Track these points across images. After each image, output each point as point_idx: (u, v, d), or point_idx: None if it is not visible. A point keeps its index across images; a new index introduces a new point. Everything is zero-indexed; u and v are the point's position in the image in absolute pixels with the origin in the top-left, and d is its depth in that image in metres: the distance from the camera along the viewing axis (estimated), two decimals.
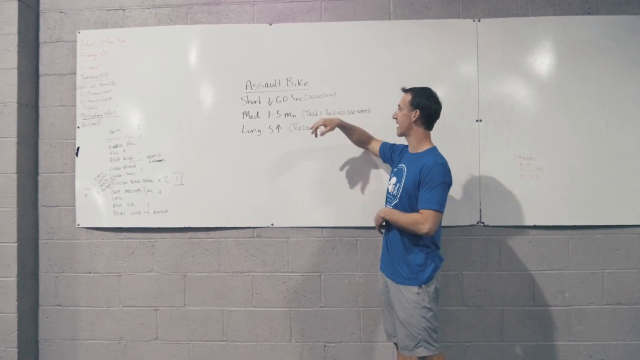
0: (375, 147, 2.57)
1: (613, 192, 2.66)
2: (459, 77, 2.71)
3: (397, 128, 2.29)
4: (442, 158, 2.16)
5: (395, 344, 2.32)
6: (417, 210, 2.11)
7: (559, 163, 2.67)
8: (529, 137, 2.69)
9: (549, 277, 2.69)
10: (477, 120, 2.70)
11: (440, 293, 2.24)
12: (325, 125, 2.47)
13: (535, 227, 2.69)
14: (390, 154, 2.45)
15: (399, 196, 2.19)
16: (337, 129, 2.52)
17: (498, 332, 2.70)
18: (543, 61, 2.71)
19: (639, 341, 2.66)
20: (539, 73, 2.70)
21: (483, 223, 2.69)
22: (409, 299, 2.13)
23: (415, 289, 2.13)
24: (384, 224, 2.28)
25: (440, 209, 2.08)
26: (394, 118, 2.31)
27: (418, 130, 2.23)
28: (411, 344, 2.13)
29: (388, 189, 2.33)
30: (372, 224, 2.64)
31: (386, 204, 2.32)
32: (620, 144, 2.66)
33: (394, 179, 2.28)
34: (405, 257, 2.17)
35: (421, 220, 2.07)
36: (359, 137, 2.60)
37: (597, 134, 2.67)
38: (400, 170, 2.26)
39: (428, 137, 2.25)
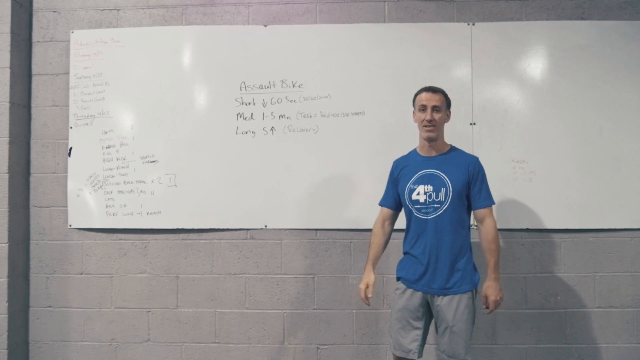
0: (386, 215, 2.30)
1: (606, 196, 2.67)
2: (453, 81, 2.72)
3: (432, 131, 2.11)
4: None
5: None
6: (468, 210, 2.15)
7: (552, 167, 2.68)
8: (523, 141, 2.70)
9: (542, 280, 2.70)
10: (470, 124, 2.71)
11: None
12: (367, 288, 2.21)
13: (528, 230, 2.70)
14: (397, 176, 2.24)
15: (449, 201, 2.08)
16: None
17: (491, 335, 2.70)
18: (537, 65, 2.72)
19: (630, 344, 2.67)
20: (532, 77, 2.72)
21: (476, 226, 2.69)
22: (465, 304, 2.07)
23: (470, 294, 2.09)
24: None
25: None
26: (428, 120, 2.09)
27: (443, 131, 2.20)
28: (463, 352, 2.06)
29: (417, 200, 2.12)
30: (366, 227, 2.65)
31: (415, 214, 2.13)
32: (613, 148, 2.68)
33: (423, 188, 2.11)
34: (458, 264, 2.09)
35: (494, 224, 2.13)
36: (381, 247, 2.32)
37: (591, 138, 2.69)
38: (432, 175, 2.11)
39: None
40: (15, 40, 2.74)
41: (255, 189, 2.74)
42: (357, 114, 2.74)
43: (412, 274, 2.14)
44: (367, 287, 2.19)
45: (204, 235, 2.78)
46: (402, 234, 2.25)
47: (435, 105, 2.11)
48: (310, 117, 2.75)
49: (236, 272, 2.78)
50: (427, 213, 2.11)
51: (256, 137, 2.76)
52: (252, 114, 2.76)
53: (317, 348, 2.75)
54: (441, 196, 2.09)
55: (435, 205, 2.09)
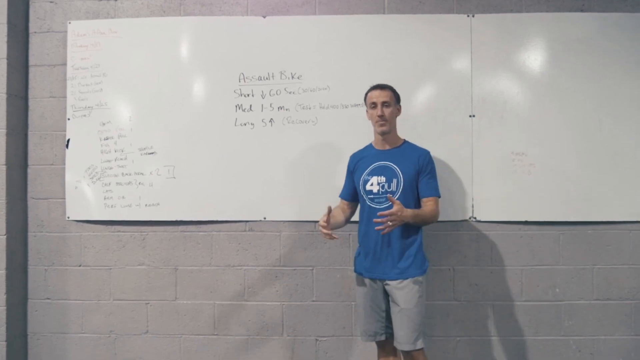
0: (345, 206, 2.43)
1: (605, 189, 2.67)
2: (453, 72, 2.71)
3: (384, 125, 2.25)
4: None
5: (382, 341, 2.33)
6: (417, 201, 2.25)
7: (551, 159, 2.68)
8: (522, 133, 2.69)
9: (540, 272, 2.70)
10: (470, 116, 2.70)
11: None
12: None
13: (526, 222, 2.70)
14: (353, 169, 2.38)
15: (400, 191, 2.22)
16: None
17: (489, 327, 2.71)
18: (536, 57, 2.71)
19: (628, 336, 2.68)
20: (532, 69, 2.71)
21: (475, 218, 2.70)
22: (415, 289, 2.18)
23: (420, 278, 2.21)
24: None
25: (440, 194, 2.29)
26: (379, 116, 2.23)
27: (395, 125, 2.34)
28: (413, 337, 2.15)
29: (370, 190, 2.25)
30: None
31: (369, 204, 2.25)
32: (612, 141, 2.67)
33: (376, 179, 2.25)
34: (408, 250, 2.22)
35: (436, 209, 2.23)
36: (337, 219, 2.36)
37: (590, 131, 2.68)
38: (385, 167, 2.26)
39: None
40: (12, 31, 2.71)
41: (254, 180, 2.74)
42: (356, 105, 2.72)
43: (368, 263, 2.28)
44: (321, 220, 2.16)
45: (203, 227, 2.77)
46: None
47: (385, 101, 2.24)
48: (310, 108, 2.74)
49: (235, 264, 2.77)
50: (379, 202, 2.23)
51: (255, 128, 2.75)
52: (250, 106, 2.75)
53: (316, 340, 2.75)
54: (393, 186, 2.22)
55: (382, 197, 2.23)
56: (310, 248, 2.75)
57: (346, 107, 2.73)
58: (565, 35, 2.71)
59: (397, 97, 2.31)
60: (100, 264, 2.80)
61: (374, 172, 2.28)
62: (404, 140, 2.36)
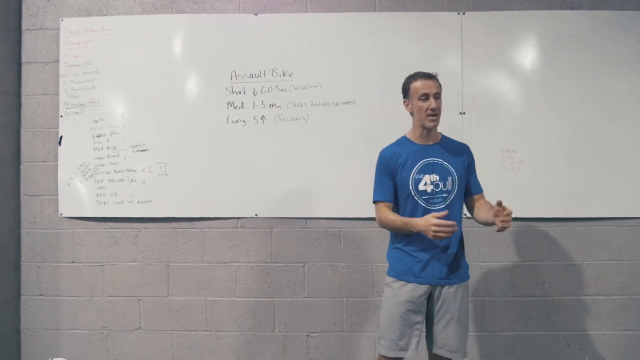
0: (391, 208, 2.12)
1: (594, 185, 2.69)
2: (443, 70, 2.67)
3: (436, 120, 2.03)
4: None
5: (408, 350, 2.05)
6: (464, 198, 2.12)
7: (540, 156, 2.70)
8: (512, 130, 2.71)
9: (529, 268, 2.72)
10: (460, 113, 2.72)
11: None
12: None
13: (516, 219, 2.68)
14: (395, 167, 2.08)
15: (456, 190, 2.05)
16: None
17: (479, 322, 2.73)
18: (526, 55, 2.73)
19: (617, 331, 2.70)
20: (522, 67, 2.73)
21: (465, 214, 2.70)
22: (467, 294, 2.09)
23: (468, 282, 2.10)
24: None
25: None
26: (432, 109, 2.01)
27: None
28: (464, 344, 2.04)
29: (424, 190, 2.02)
30: (356, 216, 2.71)
31: (424, 205, 2.02)
32: (601, 138, 2.70)
33: (429, 177, 2.02)
34: (460, 253, 2.08)
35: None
36: None
37: (579, 128, 2.70)
38: (435, 164, 2.04)
39: None
40: (4, 28, 2.72)
41: (246, 177, 2.75)
42: (347, 103, 2.75)
43: (415, 267, 2.03)
44: (433, 220, 1.88)
45: (195, 224, 2.79)
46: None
47: (437, 93, 2.03)
48: (301, 106, 2.75)
49: (227, 261, 2.79)
50: (434, 203, 2.03)
51: (247, 126, 2.76)
52: (242, 103, 2.77)
53: (307, 336, 2.77)
54: (448, 185, 2.04)
55: (444, 195, 2.04)
56: (301, 245, 2.77)
57: (337, 105, 2.74)
58: (555, 33, 2.72)
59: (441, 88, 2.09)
60: (93, 261, 2.82)
61: (424, 170, 2.04)
62: (441, 133, 2.16)
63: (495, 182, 2.69)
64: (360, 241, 2.74)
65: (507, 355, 2.72)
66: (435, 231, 1.85)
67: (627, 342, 2.70)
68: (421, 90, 2.02)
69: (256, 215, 2.77)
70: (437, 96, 2.03)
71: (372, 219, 2.68)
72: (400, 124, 2.55)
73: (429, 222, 1.87)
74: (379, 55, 2.75)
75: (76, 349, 2.81)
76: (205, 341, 2.78)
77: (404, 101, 2.12)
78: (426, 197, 2.03)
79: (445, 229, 1.84)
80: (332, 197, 2.74)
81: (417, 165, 2.05)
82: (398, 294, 2.04)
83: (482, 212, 2.05)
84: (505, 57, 2.73)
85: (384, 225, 2.09)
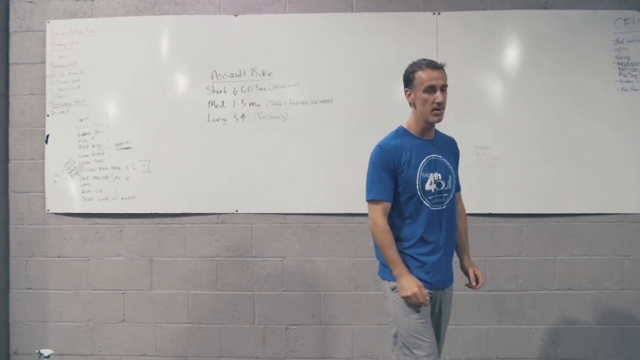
0: (387, 210, 1.89)
1: (567, 182, 2.74)
2: None
3: (440, 114, 1.85)
4: None
5: None
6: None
7: (515, 153, 2.76)
8: (487, 128, 2.77)
9: (503, 263, 2.78)
10: None
11: None
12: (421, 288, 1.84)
13: (490, 214, 2.78)
14: (399, 164, 1.86)
15: (453, 189, 1.93)
16: None
17: (453, 316, 2.76)
18: (501, 54, 2.78)
19: (589, 325, 2.76)
20: (496, 65, 2.78)
21: None
22: (452, 295, 2.04)
23: None
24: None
25: None
26: (438, 103, 1.81)
27: None
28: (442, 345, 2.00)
29: (429, 190, 1.86)
30: (334, 212, 2.79)
31: (430, 207, 1.87)
32: (574, 136, 2.74)
33: (432, 176, 1.86)
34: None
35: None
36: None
37: (553, 125, 2.75)
38: (436, 162, 1.90)
39: None
40: None
41: (226, 174, 2.82)
42: (325, 101, 2.81)
43: (417, 272, 1.86)
44: (420, 287, 1.80)
45: (177, 219, 2.87)
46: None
47: (444, 85, 1.83)
48: (280, 104, 2.82)
49: (208, 255, 2.87)
50: (437, 204, 1.88)
51: (227, 124, 2.84)
52: (223, 102, 2.84)
53: (286, 328, 2.84)
54: (448, 184, 1.90)
55: (444, 195, 1.89)
56: (280, 239, 2.84)
57: (315, 103, 2.81)
58: (530, 32, 2.77)
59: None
60: (79, 255, 2.90)
61: (428, 169, 1.87)
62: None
63: (469, 179, 2.72)
64: (338, 236, 2.81)
65: (481, 348, 2.78)
66: (413, 300, 1.78)
67: (599, 335, 2.75)
68: (427, 81, 1.81)
69: (237, 211, 2.84)
70: (444, 89, 1.83)
71: (350, 214, 2.79)
72: (377, 122, 2.64)
73: (419, 291, 1.78)
74: (356, 55, 2.81)
75: (63, 340, 2.90)
76: (187, 334, 2.87)
77: (405, 90, 1.92)
78: (431, 197, 1.86)
79: (417, 302, 1.78)
80: (310, 193, 2.81)
81: (422, 163, 1.87)
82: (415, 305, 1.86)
83: (459, 226, 2.05)
84: (479, 56, 2.78)
85: (379, 239, 1.86)
